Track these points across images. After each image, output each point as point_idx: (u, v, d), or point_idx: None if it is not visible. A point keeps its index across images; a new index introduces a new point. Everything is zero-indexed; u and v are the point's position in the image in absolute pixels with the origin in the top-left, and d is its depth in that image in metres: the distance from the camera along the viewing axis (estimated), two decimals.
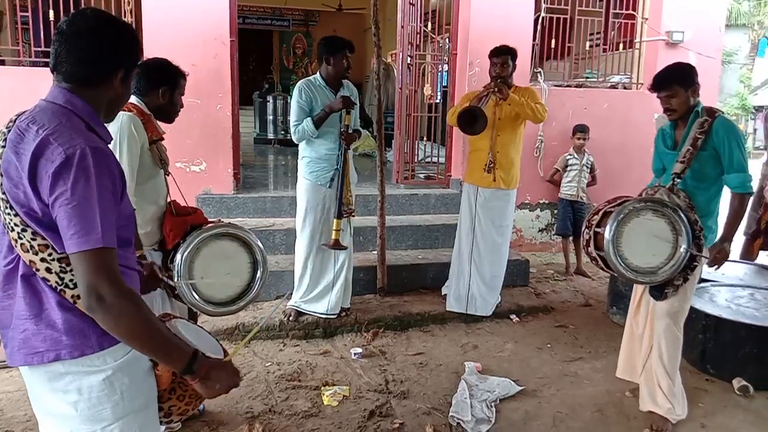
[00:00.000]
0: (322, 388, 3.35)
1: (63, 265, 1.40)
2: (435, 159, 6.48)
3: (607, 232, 2.76)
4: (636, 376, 3.23)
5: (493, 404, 3.19)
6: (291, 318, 4.12)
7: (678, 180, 2.87)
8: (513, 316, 4.52)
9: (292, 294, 4.18)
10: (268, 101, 10.79)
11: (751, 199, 3.19)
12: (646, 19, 6.38)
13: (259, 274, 2.41)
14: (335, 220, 3.94)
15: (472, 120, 3.98)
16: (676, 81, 2.87)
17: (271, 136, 10.89)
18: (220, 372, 1.53)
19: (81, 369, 1.44)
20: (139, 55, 1.60)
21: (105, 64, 1.48)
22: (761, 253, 5.12)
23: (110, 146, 1.51)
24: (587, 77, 6.73)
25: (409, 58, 6.05)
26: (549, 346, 4.06)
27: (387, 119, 7.34)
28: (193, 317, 2.78)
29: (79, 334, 1.42)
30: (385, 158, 4.71)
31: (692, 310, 3.52)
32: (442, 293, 4.65)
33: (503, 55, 4.17)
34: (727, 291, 4.07)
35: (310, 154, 4.01)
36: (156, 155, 2.62)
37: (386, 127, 6.53)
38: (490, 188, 4.30)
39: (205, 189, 5.23)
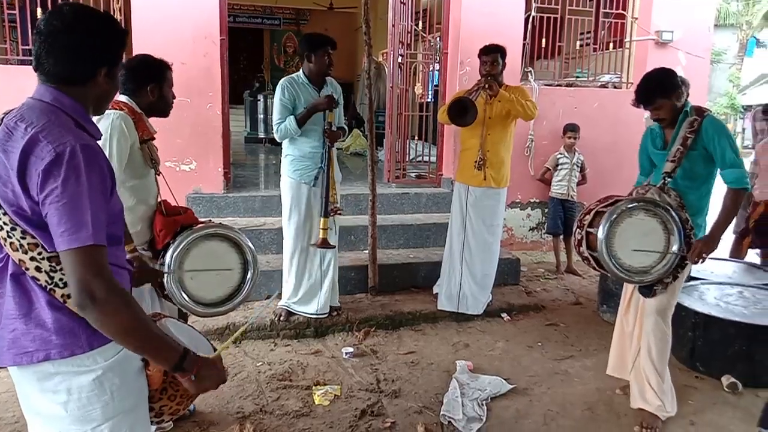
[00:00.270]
0: (314, 387, 3.35)
1: (53, 264, 1.39)
2: (426, 158, 6.49)
3: (600, 233, 2.76)
4: (626, 373, 3.24)
5: (484, 403, 3.20)
6: (282, 318, 4.10)
7: (669, 179, 2.89)
8: (504, 315, 4.54)
9: (281, 293, 4.16)
10: (259, 100, 10.74)
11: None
12: (636, 18, 6.41)
13: (249, 275, 2.41)
14: (322, 219, 3.91)
15: (462, 111, 3.99)
16: (659, 94, 2.88)
17: (261, 135, 10.85)
18: (210, 369, 1.53)
19: (71, 369, 1.43)
20: (123, 48, 1.54)
21: (86, 62, 1.45)
22: (750, 251, 5.16)
23: (99, 143, 1.50)
24: (577, 76, 6.75)
25: (400, 57, 6.05)
26: (540, 344, 4.07)
27: (378, 118, 7.32)
28: (183, 317, 2.77)
29: (69, 333, 1.41)
30: (376, 157, 4.71)
31: (681, 308, 3.55)
32: (434, 292, 4.66)
33: (493, 54, 4.17)
34: (716, 289, 4.10)
35: (293, 152, 3.97)
36: (146, 154, 2.60)
37: (377, 126, 6.52)
38: (481, 187, 4.31)
39: (195, 188, 5.20)
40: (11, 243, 1.39)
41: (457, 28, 5.81)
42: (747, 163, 5.15)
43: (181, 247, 2.30)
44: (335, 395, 3.28)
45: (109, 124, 2.42)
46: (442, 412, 3.11)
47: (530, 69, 6.14)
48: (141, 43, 4.71)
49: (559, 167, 5.70)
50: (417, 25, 6.21)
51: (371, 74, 4.62)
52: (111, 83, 1.53)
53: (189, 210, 2.72)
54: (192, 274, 2.30)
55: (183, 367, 1.46)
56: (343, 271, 4.56)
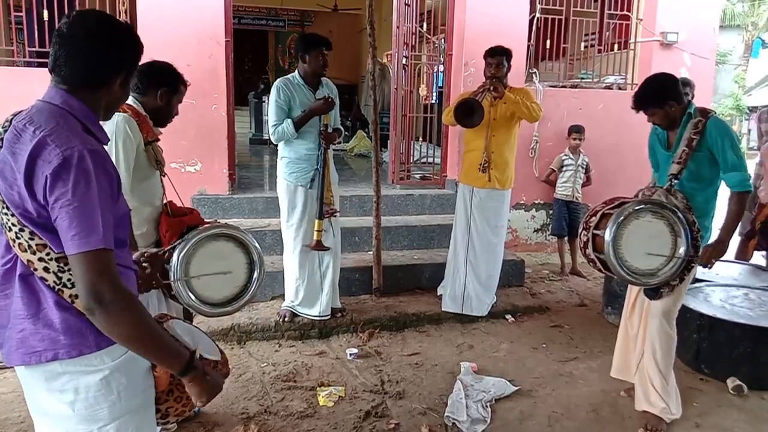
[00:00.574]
0: (318, 388, 3.35)
1: (61, 264, 1.40)
2: (431, 159, 6.49)
3: (607, 235, 2.75)
4: (631, 375, 3.24)
5: (488, 404, 3.20)
6: (286, 319, 4.11)
7: (675, 181, 2.88)
8: (508, 316, 4.53)
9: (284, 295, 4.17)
10: (264, 102, 10.75)
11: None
12: (641, 19, 6.40)
13: (255, 274, 2.41)
14: (316, 221, 3.89)
15: (469, 112, 3.99)
16: (650, 103, 2.90)
17: (266, 136, 10.84)
18: (214, 375, 1.56)
19: (78, 369, 1.44)
20: (140, 59, 1.58)
21: (104, 68, 1.47)
22: (756, 253, 5.14)
23: (106, 147, 1.51)
24: (582, 78, 6.75)
25: (404, 59, 6.06)
26: (544, 346, 4.07)
27: (383, 120, 7.33)
28: (188, 317, 2.78)
29: (77, 333, 1.42)
30: (380, 159, 4.71)
31: (687, 309, 3.54)
32: (438, 293, 4.66)
33: (498, 56, 4.18)
34: (722, 291, 4.09)
35: (289, 154, 3.95)
36: (152, 156, 2.61)
37: (382, 127, 6.51)
38: (485, 188, 4.31)
39: (200, 189, 5.22)
40: (20, 244, 1.40)
41: (461, 29, 5.82)
42: (752, 164, 5.16)
43: (187, 247, 2.30)
44: (339, 396, 3.28)
45: (114, 127, 2.43)
46: (446, 414, 3.11)
47: (535, 70, 6.14)
48: (146, 45, 4.70)
49: (564, 169, 5.69)
50: (421, 26, 6.22)
51: (376, 76, 4.63)
52: (124, 91, 1.55)
53: (195, 211, 2.73)
54: (199, 274, 2.30)
55: (189, 373, 1.47)
56: (348, 272, 4.57)
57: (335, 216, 4.07)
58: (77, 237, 1.32)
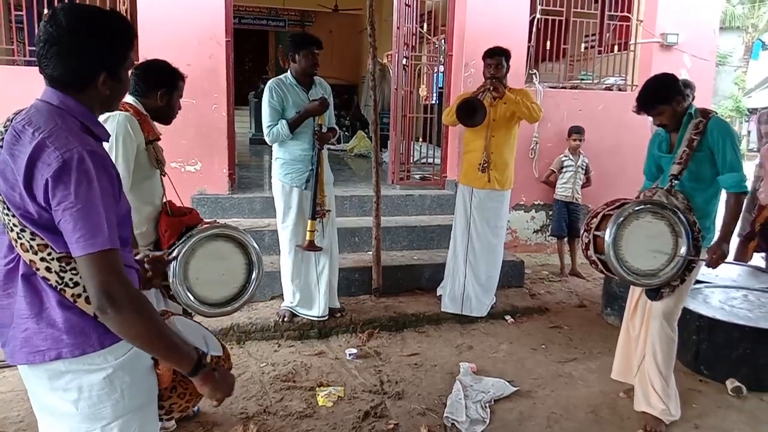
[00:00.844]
0: (317, 388, 3.35)
1: (62, 264, 1.40)
2: (431, 160, 6.49)
3: (608, 236, 2.75)
4: (631, 377, 3.24)
5: (487, 405, 3.20)
6: (285, 319, 4.11)
7: (675, 181, 2.88)
8: (508, 317, 4.53)
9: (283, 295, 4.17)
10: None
11: (745, 200, 3.21)
12: (641, 21, 6.40)
13: (254, 275, 2.41)
14: (309, 221, 3.88)
15: (471, 111, 3.98)
16: (659, 101, 2.89)
17: None
18: (224, 373, 1.58)
19: (82, 367, 1.44)
20: (127, 50, 1.49)
21: (81, 69, 1.41)
22: (755, 254, 5.14)
23: (107, 145, 1.50)
24: (582, 79, 6.75)
25: (404, 59, 6.06)
26: (544, 347, 4.07)
27: (383, 120, 7.33)
28: (187, 316, 2.78)
29: (80, 332, 1.42)
30: (380, 159, 4.71)
31: (686, 311, 3.54)
32: (437, 294, 4.66)
33: (497, 57, 4.18)
34: (721, 292, 4.09)
35: (284, 155, 3.93)
36: (152, 155, 2.61)
37: (382, 127, 6.51)
38: (485, 189, 4.31)
39: (200, 189, 5.22)
40: (21, 244, 1.40)
41: (461, 30, 5.82)
42: (752, 166, 5.17)
43: (186, 247, 2.30)
44: (339, 396, 3.28)
45: (115, 126, 2.44)
46: (445, 414, 3.11)
47: (535, 71, 6.15)
48: (146, 45, 4.74)
49: (564, 169, 5.69)
50: (422, 27, 6.23)
51: (376, 76, 4.63)
52: (114, 87, 1.48)
53: (194, 211, 2.73)
54: (197, 275, 2.30)
55: (199, 372, 1.49)
56: (347, 272, 4.57)
57: (326, 216, 4.04)
58: (83, 239, 1.32)
